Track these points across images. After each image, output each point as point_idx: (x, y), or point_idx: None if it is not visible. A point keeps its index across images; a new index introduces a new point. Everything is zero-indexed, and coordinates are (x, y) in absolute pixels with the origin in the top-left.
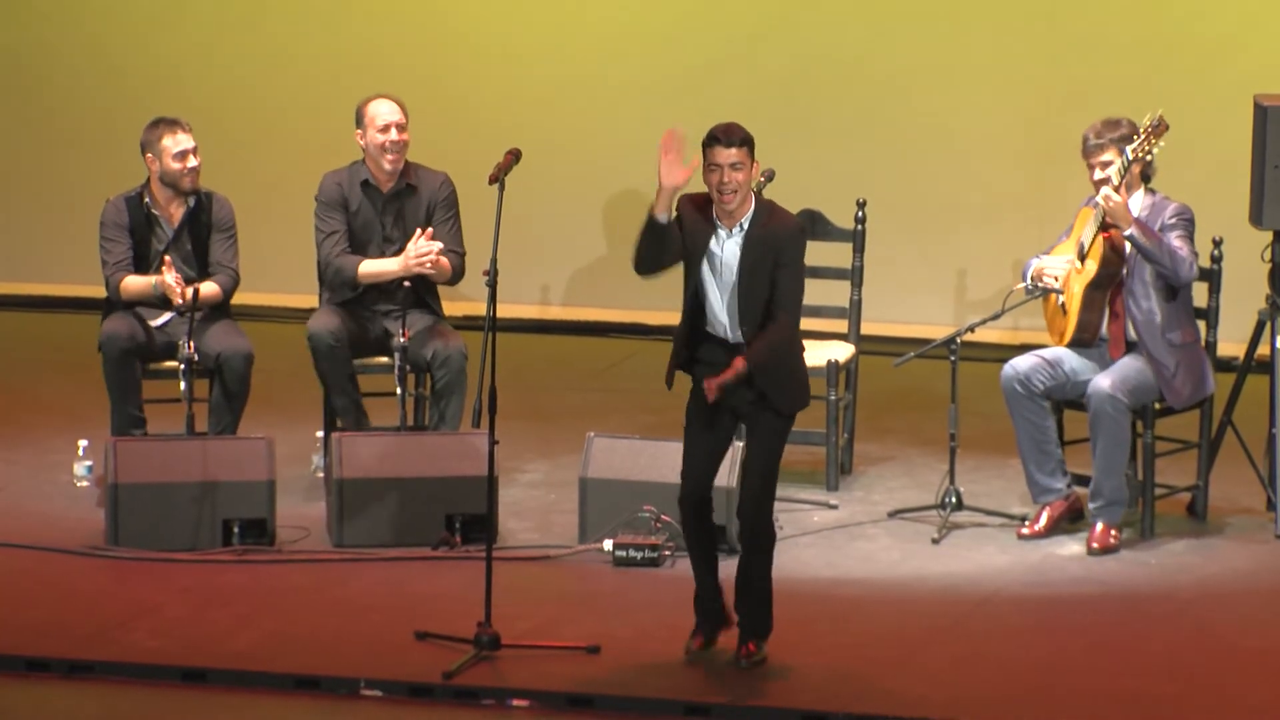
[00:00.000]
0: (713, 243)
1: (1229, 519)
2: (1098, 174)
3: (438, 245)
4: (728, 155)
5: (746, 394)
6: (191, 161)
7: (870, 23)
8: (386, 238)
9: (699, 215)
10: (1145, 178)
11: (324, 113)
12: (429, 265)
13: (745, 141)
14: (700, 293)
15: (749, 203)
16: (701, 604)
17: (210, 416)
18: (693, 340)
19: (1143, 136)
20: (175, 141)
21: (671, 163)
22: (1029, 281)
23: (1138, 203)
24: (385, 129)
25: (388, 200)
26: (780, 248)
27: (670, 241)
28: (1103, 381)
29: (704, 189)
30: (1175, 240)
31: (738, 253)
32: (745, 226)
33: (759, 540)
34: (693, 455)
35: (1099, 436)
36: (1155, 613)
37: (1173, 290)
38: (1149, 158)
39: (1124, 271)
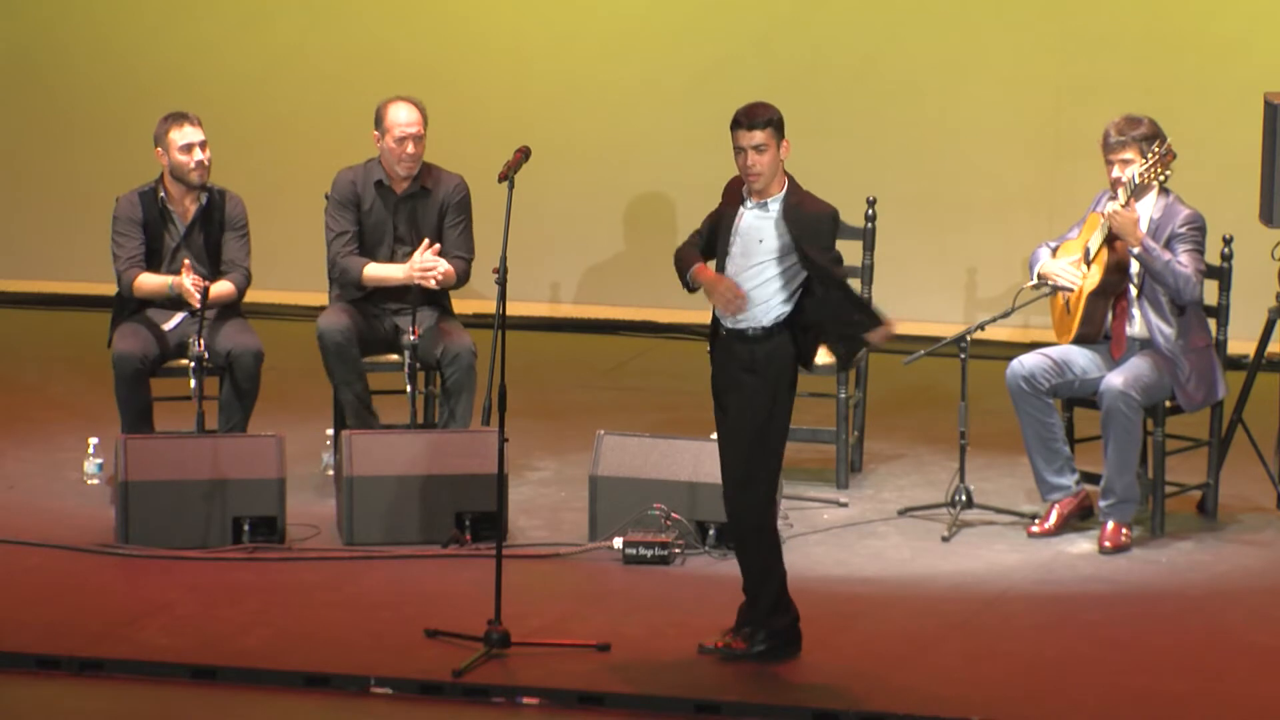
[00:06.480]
0: (737, 216)
1: (1239, 517)
2: (1115, 171)
3: (443, 265)
4: (750, 138)
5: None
6: (199, 155)
7: (881, 21)
8: (399, 238)
9: (733, 196)
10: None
11: (334, 110)
12: (432, 280)
13: (769, 123)
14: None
15: (779, 183)
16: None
17: (220, 414)
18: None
19: (1150, 162)
20: (181, 134)
21: (729, 302)
22: (1035, 278)
23: (1150, 203)
24: (401, 141)
25: (401, 201)
26: (805, 230)
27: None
28: (1115, 379)
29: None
30: (1182, 255)
31: (758, 226)
32: (770, 206)
33: (743, 534)
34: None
35: (1111, 435)
36: (1166, 610)
37: None
38: (1154, 184)
39: (1129, 281)
